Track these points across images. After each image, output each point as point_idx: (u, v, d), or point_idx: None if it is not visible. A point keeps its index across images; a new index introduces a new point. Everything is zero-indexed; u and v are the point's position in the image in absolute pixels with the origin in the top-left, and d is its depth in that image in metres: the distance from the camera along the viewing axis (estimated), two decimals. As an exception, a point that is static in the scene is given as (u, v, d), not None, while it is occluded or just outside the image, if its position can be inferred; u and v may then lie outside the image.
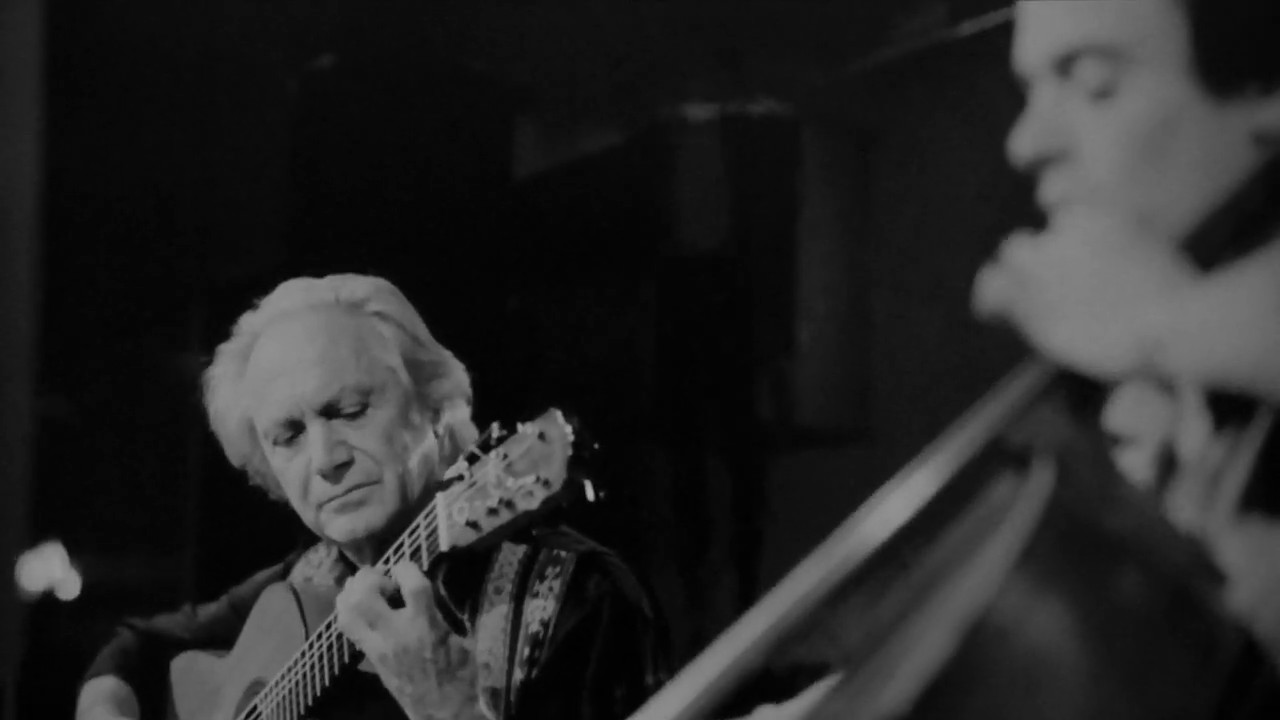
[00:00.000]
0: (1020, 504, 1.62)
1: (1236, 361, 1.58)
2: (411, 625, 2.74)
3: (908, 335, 4.99)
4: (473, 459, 2.62)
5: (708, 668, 1.71)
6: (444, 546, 2.67)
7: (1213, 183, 1.72)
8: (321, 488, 3.01)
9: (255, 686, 3.16)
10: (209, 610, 3.43)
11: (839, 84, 5.24)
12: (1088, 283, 1.64)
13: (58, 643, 5.34)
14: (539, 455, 2.53)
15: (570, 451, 2.50)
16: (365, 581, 2.78)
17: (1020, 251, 1.69)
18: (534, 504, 2.54)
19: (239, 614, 3.31)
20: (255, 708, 3.11)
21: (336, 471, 2.99)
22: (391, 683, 2.78)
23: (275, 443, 3.07)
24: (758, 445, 5.38)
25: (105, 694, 3.30)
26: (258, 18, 5.32)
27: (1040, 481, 1.63)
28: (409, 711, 2.80)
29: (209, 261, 5.63)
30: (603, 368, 5.46)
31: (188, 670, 3.36)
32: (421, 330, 3.12)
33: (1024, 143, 1.78)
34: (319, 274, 3.21)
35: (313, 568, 3.27)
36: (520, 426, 2.57)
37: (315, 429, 3.00)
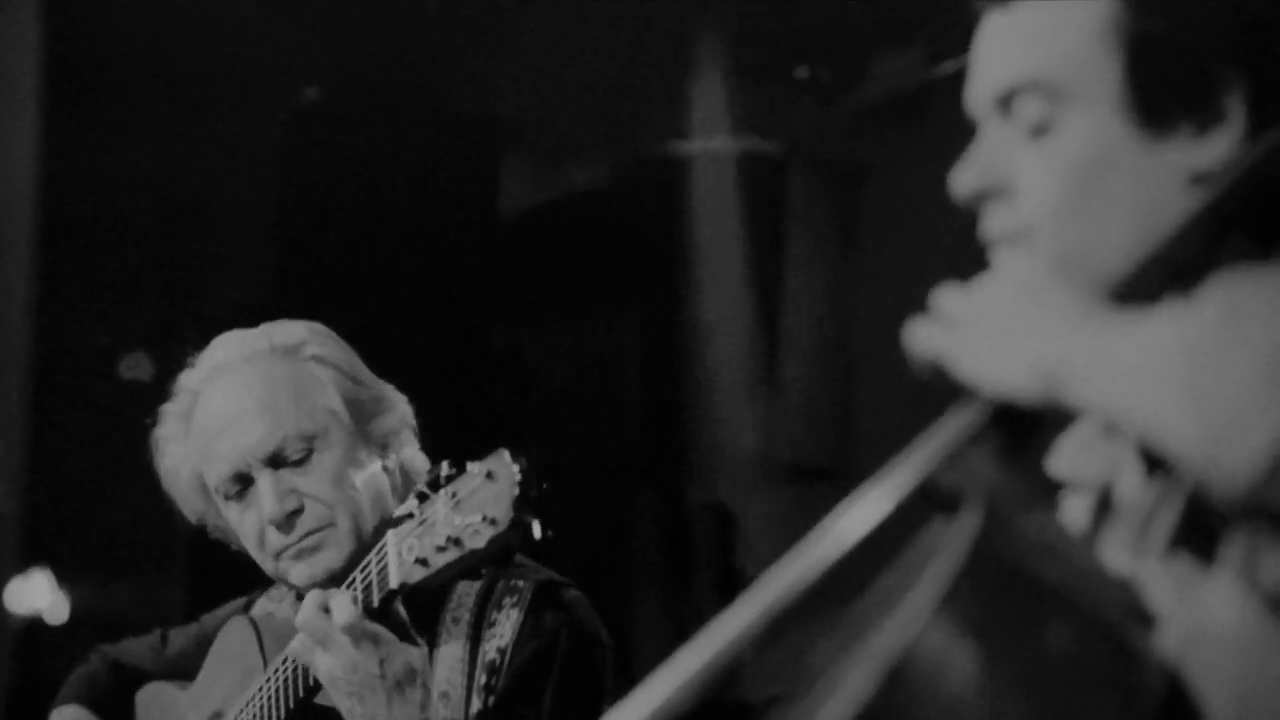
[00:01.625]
0: (946, 547, 1.63)
1: (1133, 406, 1.59)
2: (358, 645, 2.75)
3: (891, 372, 4.99)
4: (423, 497, 2.64)
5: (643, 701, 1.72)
6: (394, 583, 2.68)
7: (1146, 221, 1.74)
8: (276, 538, 3.02)
9: (215, 719, 3.17)
10: (178, 642, 3.44)
11: (825, 121, 5.26)
12: (1001, 314, 1.66)
13: (45, 668, 5.35)
14: (487, 495, 2.55)
15: (517, 491, 2.51)
16: (314, 601, 2.79)
17: (947, 298, 1.71)
18: (481, 543, 2.55)
19: (204, 645, 3.32)
20: None
21: (289, 520, 3.00)
22: (342, 704, 2.78)
23: (227, 497, 3.07)
24: (741, 480, 5.39)
25: None
26: (249, 54, 5.35)
27: (967, 525, 1.64)
28: None
29: (198, 292, 5.66)
30: (587, 402, 5.47)
31: (152, 701, 3.36)
32: (360, 368, 3.13)
33: (965, 179, 1.81)
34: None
35: (274, 603, 3.28)
36: (469, 465, 2.59)
37: (263, 480, 3.01)
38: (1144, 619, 1.62)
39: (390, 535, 2.69)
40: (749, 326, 5.29)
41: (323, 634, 2.75)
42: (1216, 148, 1.73)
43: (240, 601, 3.37)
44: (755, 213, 5.33)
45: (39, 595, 5.67)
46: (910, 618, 1.59)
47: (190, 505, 3.19)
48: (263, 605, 3.29)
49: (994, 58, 1.82)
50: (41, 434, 5.49)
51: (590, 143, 5.50)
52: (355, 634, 2.74)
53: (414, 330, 5.16)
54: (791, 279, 5.28)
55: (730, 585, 5.27)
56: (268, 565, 3.08)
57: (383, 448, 3.07)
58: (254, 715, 2.98)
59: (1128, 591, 1.63)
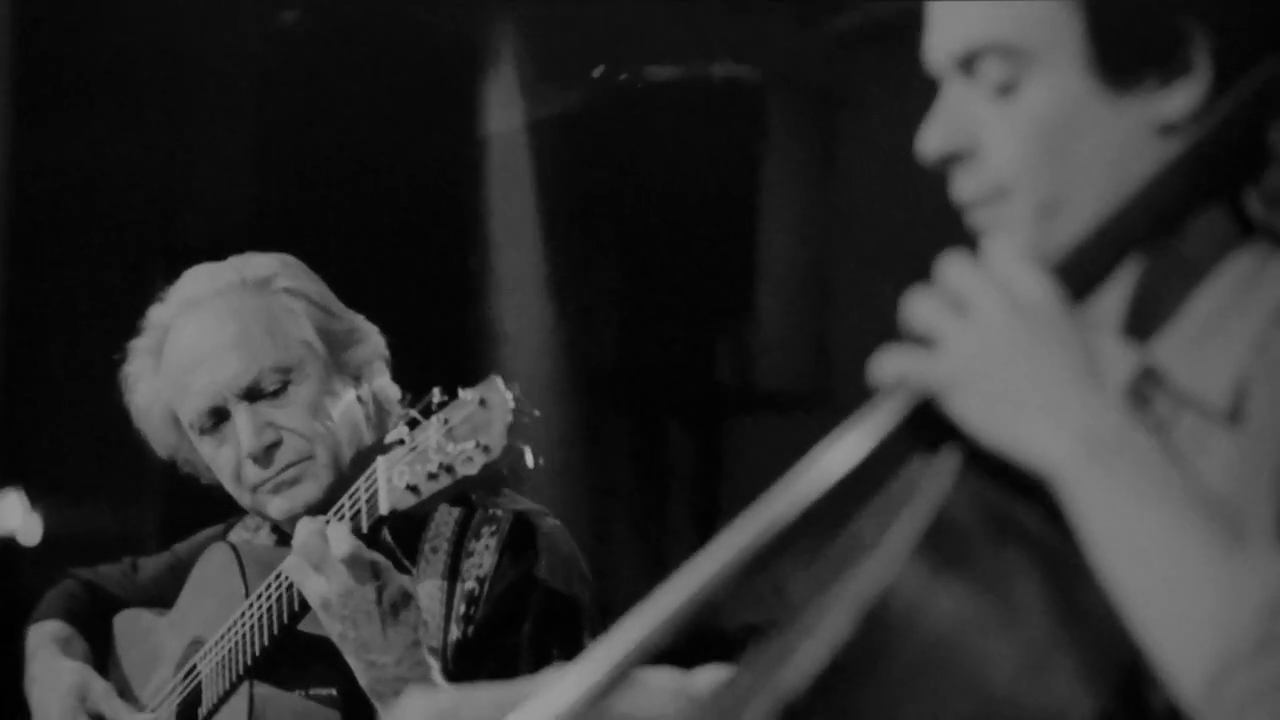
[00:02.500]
0: (925, 488, 1.63)
1: (1138, 605, 1.57)
2: (354, 573, 2.75)
3: (867, 299, 4.98)
4: (413, 424, 2.63)
5: (634, 628, 1.73)
6: (383, 510, 2.68)
7: (1116, 174, 1.74)
8: (254, 471, 3.02)
9: (195, 645, 3.17)
10: (149, 569, 3.43)
11: (804, 47, 5.24)
12: (1000, 366, 1.64)
13: (19, 589, 5.34)
14: (479, 421, 2.54)
15: (510, 418, 2.52)
16: (311, 525, 2.78)
17: (931, 314, 1.69)
18: (474, 469, 2.55)
19: (179, 573, 3.32)
20: (195, 666, 3.12)
21: (267, 453, 3.01)
22: (334, 629, 2.78)
23: (201, 432, 3.07)
24: (716, 408, 5.39)
25: (52, 635, 3.31)
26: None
27: (946, 466, 1.65)
28: (350, 658, 2.80)
29: (175, 220, 5.64)
30: (562, 328, 5.46)
31: (130, 626, 3.37)
32: (331, 300, 3.13)
33: (931, 140, 1.80)
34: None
35: (249, 531, 3.28)
36: (461, 392, 2.58)
37: (240, 414, 3.01)
38: None
39: (380, 461, 2.69)
40: (725, 253, 5.28)
41: (320, 559, 2.75)
42: (1182, 98, 1.74)
43: (216, 529, 3.37)
44: (732, 139, 5.31)
45: (11, 516, 5.65)
46: (888, 558, 1.59)
47: (162, 441, 3.19)
48: (238, 534, 3.30)
49: (952, 18, 1.80)
50: (14, 355, 5.47)
51: (568, 67, 5.47)
52: (352, 562, 2.74)
53: (388, 252, 5.15)
54: (768, 205, 5.27)
55: (704, 513, 5.29)
56: (244, 499, 3.08)
57: (356, 378, 3.07)
58: (237, 641, 2.98)
59: None
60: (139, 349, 3.16)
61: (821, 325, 5.28)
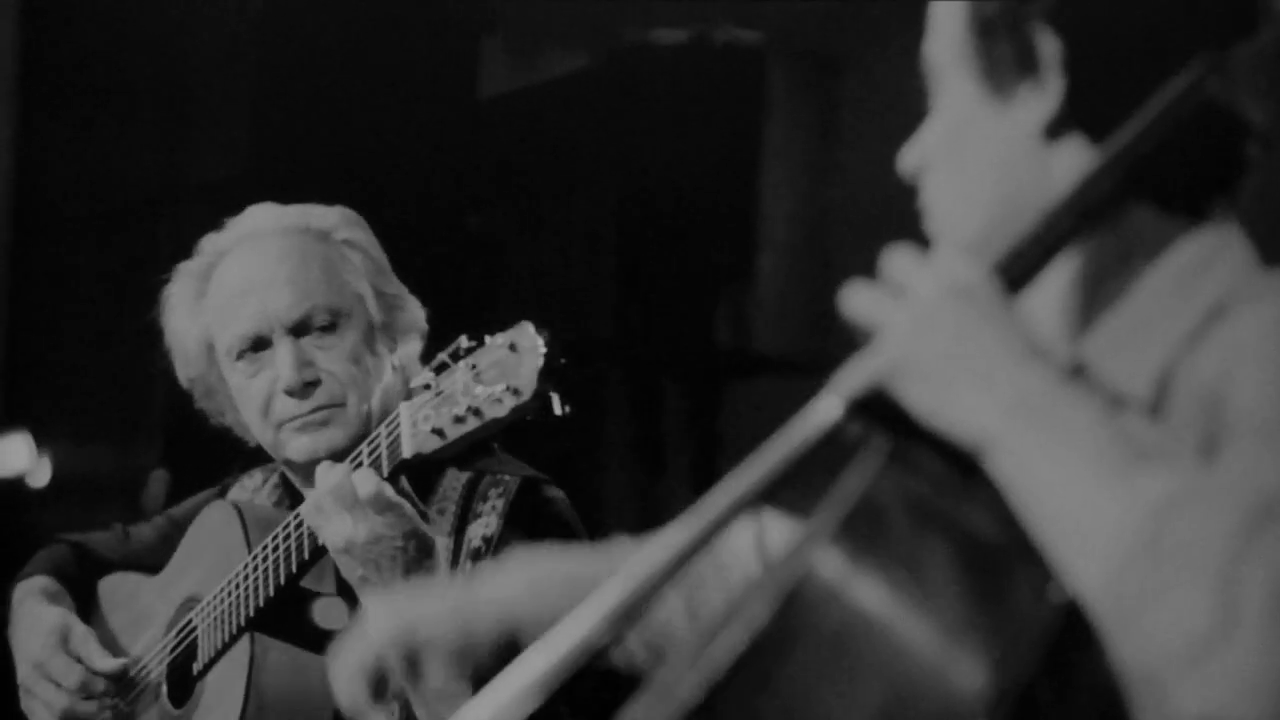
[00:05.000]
0: (850, 476, 1.67)
1: (1067, 555, 1.61)
2: (382, 515, 2.76)
3: (866, 265, 5.01)
4: (440, 368, 2.63)
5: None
6: (407, 453, 2.69)
7: (1003, 178, 1.83)
8: (285, 406, 3.03)
9: (189, 603, 3.17)
10: (142, 534, 3.43)
11: (804, 11, 5.26)
12: (942, 353, 1.67)
13: (29, 531, 5.36)
14: (509, 365, 2.54)
15: (542, 362, 2.52)
16: (340, 468, 2.78)
17: (901, 265, 1.74)
18: (503, 411, 2.55)
19: (172, 538, 3.31)
20: (190, 622, 3.12)
21: (304, 390, 3.02)
22: (354, 573, 2.79)
23: (238, 359, 3.08)
24: (715, 372, 5.41)
25: (37, 588, 3.32)
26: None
27: (874, 455, 1.68)
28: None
29: (178, 169, 5.66)
30: (562, 290, 5.48)
31: (116, 588, 3.37)
32: (385, 262, 3.16)
33: (907, 157, 1.92)
34: (284, 189, 3.26)
35: (249, 492, 3.28)
36: (489, 338, 2.58)
37: (284, 347, 3.02)
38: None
39: (403, 407, 2.69)
40: (725, 217, 5.30)
41: (351, 501, 2.75)
42: (1046, 103, 1.81)
43: (211, 491, 3.37)
44: (732, 102, 5.33)
45: (20, 458, 5.68)
46: (808, 544, 1.63)
47: (189, 367, 3.19)
48: (237, 494, 3.30)
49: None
50: (20, 298, 5.50)
51: (570, 29, 5.48)
52: (382, 507, 2.77)
53: (389, 211, 5.17)
54: (768, 170, 5.29)
55: (702, 477, 5.30)
56: (266, 435, 3.09)
57: (395, 343, 3.10)
58: (240, 594, 2.99)
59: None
60: (186, 271, 3.18)
61: (821, 289, 5.30)
